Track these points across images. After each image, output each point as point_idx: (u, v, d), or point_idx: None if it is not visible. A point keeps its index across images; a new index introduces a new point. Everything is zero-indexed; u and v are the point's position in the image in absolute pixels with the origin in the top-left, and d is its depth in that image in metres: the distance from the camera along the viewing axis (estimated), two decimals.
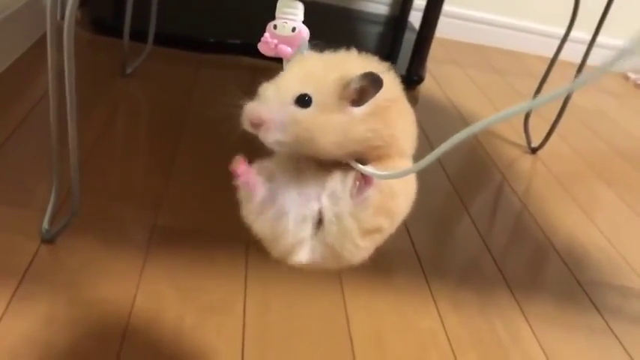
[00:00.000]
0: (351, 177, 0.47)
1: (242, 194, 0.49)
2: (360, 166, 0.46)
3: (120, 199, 0.96)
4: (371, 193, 0.46)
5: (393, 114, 0.47)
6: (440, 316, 0.88)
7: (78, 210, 0.86)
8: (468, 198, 1.22)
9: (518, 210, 1.23)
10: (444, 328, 0.85)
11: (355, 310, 0.84)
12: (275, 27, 0.50)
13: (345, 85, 0.44)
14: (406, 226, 1.06)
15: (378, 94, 0.44)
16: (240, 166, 0.47)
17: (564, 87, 0.38)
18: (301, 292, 0.86)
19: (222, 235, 0.93)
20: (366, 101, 0.44)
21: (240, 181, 0.47)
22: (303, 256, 0.48)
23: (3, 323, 0.69)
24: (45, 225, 0.83)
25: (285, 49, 0.50)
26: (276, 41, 0.50)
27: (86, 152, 1.03)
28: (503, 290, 0.97)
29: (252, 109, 0.44)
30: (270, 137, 0.44)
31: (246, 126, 0.45)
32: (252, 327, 0.77)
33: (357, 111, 0.45)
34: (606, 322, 0.96)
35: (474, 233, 1.10)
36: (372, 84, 0.43)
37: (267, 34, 0.50)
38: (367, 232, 0.48)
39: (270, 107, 0.44)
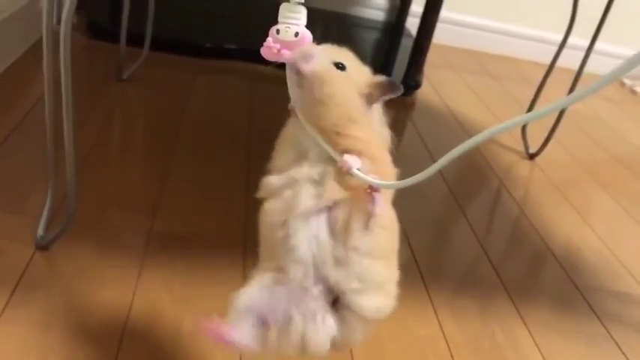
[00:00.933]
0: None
1: None
2: (362, 175, 0.47)
3: (116, 204, 0.95)
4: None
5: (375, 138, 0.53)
6: (439, 322, 0.87)
7: (73, 216, 0.85)
8: (466, 203, 1.21)
9: (515, 215, 1.23)
10: (443, 335, 0.85)
11: None
12: (278, 32, 0.50)
13: (376, 82, 0.52)
14: (405, 232, 1.05)
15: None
16: (208, 324, 0.50)
17: (568, 98, 0.37)
18: None
19: (219, 240, 0.92)
20: (378, 101, 0.53)
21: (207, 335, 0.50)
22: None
23: None
24: (40, 231, 0.82)
25: (288, 54, 0.50)
26: (278, 46, 0.49)
27: (82, 157, 1.02)
28: (501, 296, 0.97)
29: (308, 48, 0.50)
30: (309, 66, 0.49)
31: (298, 55, 0.50)
32: None
33: (366, 107, 0.52)
34: (605, 327, 0.95)
35: (472, 239, 1.10)
36: (394, 89, 0.52)
37: (269, 39, 0.49)
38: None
39: (317, 50, 0.51)
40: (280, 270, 0.51)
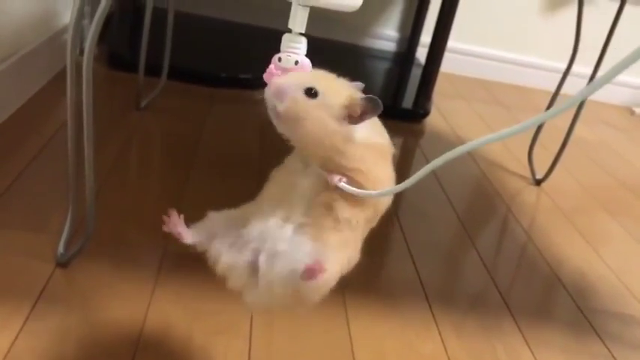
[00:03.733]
0: (305, 242, 0.54)
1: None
2: (347, 186, 0.51)
3: (132, 225, 0.99)
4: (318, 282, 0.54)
5: (366, 154, 0.54)
6: (442, 340, 0.89)
7: (92, 235, 0.89)
8: (473, 227, 1.24)
9: (523, 241, 1.25)
10: (446, 352, 0.87)
11: (359, 332, 0.87)
12: (280, 59, 0.54)
13: (353, 102, 0.52)
14: (412, 256, 1.08)
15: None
16: (170, 217, 0.61)
17: (548, 112, 0.41)
18: (306, 315, 0.88)
19: None
20: (363, 121, 0.53)
21: (166, 229, 0.60)
22: (248, 298, 0.58)
23: (19, 341, 0.72)
24: (60, 249, 0.86)
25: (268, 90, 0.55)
26: (279, 72, 0.54)
27: (101, 180, 1.07)
28: (506, 318, 0.99)
29: (277, 82, 0.53)
30: (282, 106, 0.52)
31: (272, 93, 0.53)
32: (257, 348, 0.79)
33: (349, 128, 0.53)
34: (608, 348, 0.97)
35: (477, 261, 1.13)
36: (373, 107, 0.52)
37: (272, 66, 0.54)
38: (295, 299, 0.56)
39: (288, 85, 0.53)
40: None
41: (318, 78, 0.53)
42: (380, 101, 0.52)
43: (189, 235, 0.60)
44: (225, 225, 0.59)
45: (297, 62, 0.54)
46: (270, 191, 0.59)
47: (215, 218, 0.61)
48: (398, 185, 0.50)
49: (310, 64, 0.55)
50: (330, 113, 0.52)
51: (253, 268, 0.56)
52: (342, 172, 0.53)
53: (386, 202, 0.58)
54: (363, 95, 0.53)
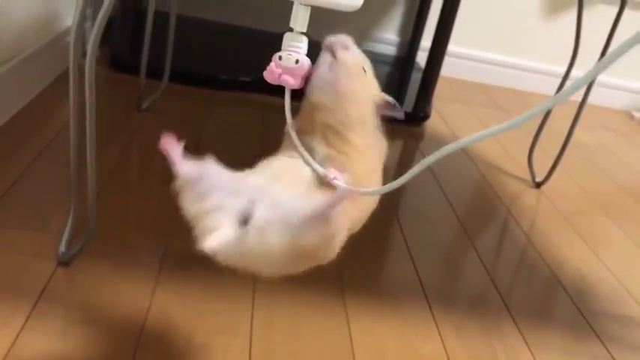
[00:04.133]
0: (315, 196, 0.51)
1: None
2: (342, 184, 0.51)
3: (133, 225, 1.00)
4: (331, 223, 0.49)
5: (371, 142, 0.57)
6: (442, 340, 0.90)
7: (93, 235, 0.90)
8: (474, 231, 1.24)
9: (523, 244, 1.25)
10: (446, 352, 0.87)
11: (359, 332, 0.87)
12: (280, 58, 0.55)
13: (383, 99, 0.59)
14: (412, 258, 1.08)
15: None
16: (167, 138, 0.55)
17: (545, 103, 0.42)
18: (306, 315, 0.88)
19: None
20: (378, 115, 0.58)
21: (161, 148, 0.54)
22: (211, 243, 0.49)
23: (21, 339, 0.73)
24: (62, 248, 0.87)
25: (288, 79, 0.55)
26: (280, 71, 0.55)
27: (102, 181, 1.08)
28: (506, 319, 0.99)
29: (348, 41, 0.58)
30: (345, 55, 0.56)
31: (338, 41, 0.57)
32: (258, 348, 0.80)
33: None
34: (608, 350, 0.97)
35: (477, 263, 1.13)
36: (394, 110, 0.59)
37: (272, 64, 0.55)
38: (296, 256, 0.50)
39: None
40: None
41: (367, 63, 0.58)
42: (402, 110, 0.59)
43: (183, 165, 0.54)
44: (220, 173, 0.55)
45: (297, 61, 0.54)
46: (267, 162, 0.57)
47: (213, 164, 0.56)
48: (393, 182, 0.50)
49: (310, 63, 0.55)
50: (371, 93, 0.57)
51: (244, 216, 0.50)
52: (345, 148, 0.53)
53: (374, 179, 0.58)
54: (391, 98, 0.58)
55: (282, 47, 0.55)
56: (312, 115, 0.56)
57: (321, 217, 0.48)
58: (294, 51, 0.55)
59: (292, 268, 0.53)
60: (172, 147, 0.55)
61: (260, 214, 0.49)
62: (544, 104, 0.41)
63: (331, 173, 0.53)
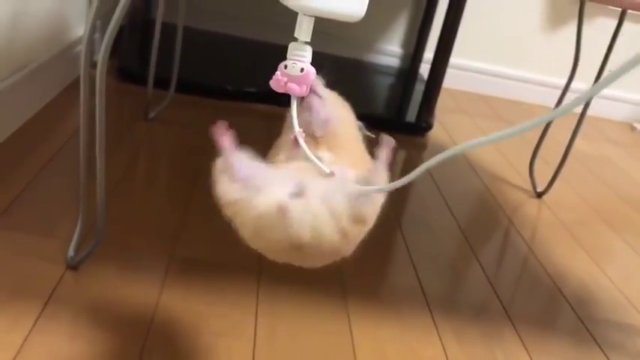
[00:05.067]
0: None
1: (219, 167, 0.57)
2: (344, 175, 0.55)
3: (141, 231, 1.02)
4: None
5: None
6: (443, 346, 0.91)
7: (101, 240, 0.92)
8: (476, 241, 1.26)
9: (524, 253, 1.26)
10: (447, 358, 0.89)
11: (361, 336, 0.88)
12: (285, 67, 0.57)
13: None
14: (414, 266, 1.10)
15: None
16: (219, 125, 0.57)
17: (544, 116, 0.43)
18: (309, 319, 0.90)
19: (235, 265, 0.98)
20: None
21: (212, 134, 0.56)
22: (282, 205, 0.50)
23: (30, 340, 0.74)
24: (70, 252, 0.88)
25: (294, 87, 0.57)
26: (285, 79, 0.57)
27: (111, 187, 1.10)
28: (507, 327, 1.00)
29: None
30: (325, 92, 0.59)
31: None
32: (261, 351, 0.81)
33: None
34: (608, 357, 0.98)
35: (480, 274, 1.14)
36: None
37: (278, 73, 0.57)
38: (344, 236, 0.52)
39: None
40: None
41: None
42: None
43: (232, 152, 0.57)
44: (262, 164, 0.57)
45: (302, 69, 0.56)
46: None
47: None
48: (393, 182, 0.52)
49: (315, 72, 0.57)
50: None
51: (298, 192, 0.52)
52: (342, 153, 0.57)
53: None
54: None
55: (288, 56, 0.57)
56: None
57: (376, 181, 0.51)
58: (298, 60, 0.57)
59: (331, 255, 0.54)
60: (222, 133, 0.58)
61: (316, 187, 0.51)
62: (543, 117, 0.43)
63: (337, 171, 0.55)
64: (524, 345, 0.96)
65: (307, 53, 0.57)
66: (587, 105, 1.44)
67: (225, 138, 0.57)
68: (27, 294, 0.82)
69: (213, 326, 0.84)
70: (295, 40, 0.58)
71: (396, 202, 1.33)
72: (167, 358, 0.77)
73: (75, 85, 0.82)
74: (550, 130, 1.52)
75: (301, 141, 0.58)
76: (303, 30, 0.56)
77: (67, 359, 0.73)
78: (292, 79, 0.57)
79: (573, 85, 1.45)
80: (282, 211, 0.50)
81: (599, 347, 1.00)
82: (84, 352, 0.75)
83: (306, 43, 0.57)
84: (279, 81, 0.56)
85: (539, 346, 0.97)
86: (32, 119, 1.30)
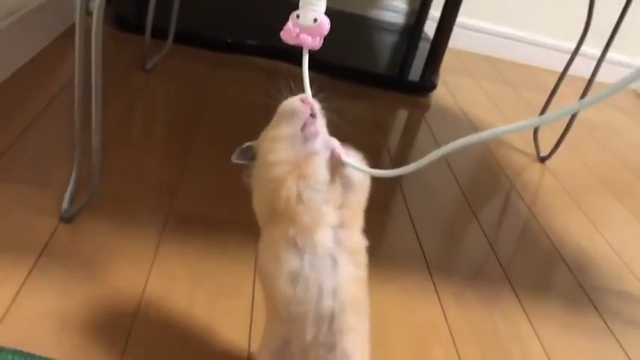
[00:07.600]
0: None
1: None
2: (352, 162, 0.55)
3: (137, 184, 0.99)
4: None
5: None
6: (443, 310, 0.90)
7: (96, 192, 0.89)
8: (476, 202, 1.24)
9: (525, 217, 1.25)
10: (447, 322, 0.88)
11: None
12: (298, 17, 0.53)
13: None
14: (414, 228, 1.08)
15: None
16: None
17: (574, 105, 0.40)
18: None
19: (233, 221, 0.95)
20: None
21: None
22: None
23: (20, 296, 0.72)
24: (64, 205, 0.86)
25: (306, 39, 0.53)
26: (298, 30, 0.53)
27: (106, 138, 1.06)
28: (506, 290, 0.99)
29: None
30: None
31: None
32: (260, 307, 0.79)
33: None
34: (606, 323, 0.97)
35: (480, 236, 1.13)
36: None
37: (289, 23, 0.53)
38: None
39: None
40: None
41: None
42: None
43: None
44: None
45: (315, 20, 0.53)
46: None
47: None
48: (407, 166, 0.49)
49: (329, 24, 0.54)
50: None
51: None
52: None
53: None
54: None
55: (300, 5, 0.53)
56: None
57: None
58: (312, 9, 0.53)
59: None
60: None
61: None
62: (568, 107, 0.40)
63: (335, 142, 0.53)
64: (523, 308, 0.95)
65: (321, 2, 0.54)
66: (595, 71, 1.40)
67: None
68: (19, 247, 0.79)
69: (211, 284, 0.82)
70: None
71: (398, 163, 1.30)
72: (163, 317, 0.75)
73: (71, 31, 0.78)
74: (555, 95, 1.48)
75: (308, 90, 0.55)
76: None
77: (57, 317, 0.71)
78: (305, 29, 0.53)
79: (583, 49, 1.41)
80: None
81: (598, 312, 0.99)
82: (77, 307, 0.73)
83: None
84: (290, 32, 0.52)
85: (538, 309, 0.96)
86: (25, 66, 1.25)
